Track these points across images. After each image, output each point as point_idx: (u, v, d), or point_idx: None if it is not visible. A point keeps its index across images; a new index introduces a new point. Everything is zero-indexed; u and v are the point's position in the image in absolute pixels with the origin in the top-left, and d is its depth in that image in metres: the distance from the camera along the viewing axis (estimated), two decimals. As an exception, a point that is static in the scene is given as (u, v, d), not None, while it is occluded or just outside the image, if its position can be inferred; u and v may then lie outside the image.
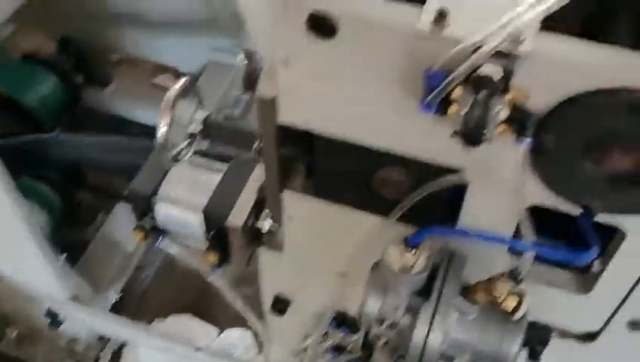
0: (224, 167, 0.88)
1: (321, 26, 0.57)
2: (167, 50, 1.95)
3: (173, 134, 0.75)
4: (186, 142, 0.77)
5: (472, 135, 0.50)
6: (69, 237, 1.50)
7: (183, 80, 0.76)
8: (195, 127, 0.77)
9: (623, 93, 0.52)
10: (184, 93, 0.76)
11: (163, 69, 2.04)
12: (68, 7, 1.84)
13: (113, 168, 1.20)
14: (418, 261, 0.60)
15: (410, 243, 0.61)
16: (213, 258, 0.88)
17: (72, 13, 1.86)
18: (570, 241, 0.66)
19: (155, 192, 0.86)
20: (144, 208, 0.87)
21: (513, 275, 0.59)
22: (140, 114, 1.89)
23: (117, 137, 1.17)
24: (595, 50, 0.53)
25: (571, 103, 0.54)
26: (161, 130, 0.73)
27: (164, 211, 0.86)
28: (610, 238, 0.67)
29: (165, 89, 2.32)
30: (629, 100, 0.52)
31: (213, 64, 1.99)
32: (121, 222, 1.52)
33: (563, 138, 0.56)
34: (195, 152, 0.84)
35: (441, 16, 0.55)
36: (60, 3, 1.78)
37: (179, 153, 0.77)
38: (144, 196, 0.86)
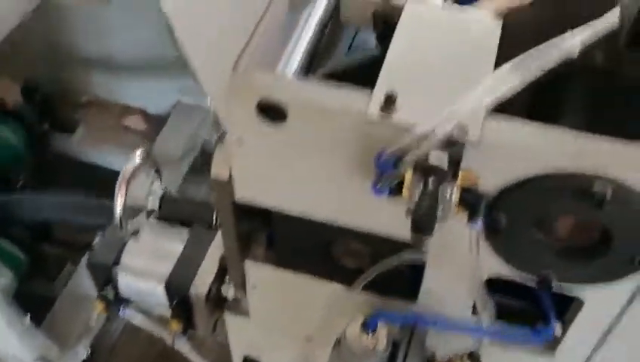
0: (185, 232, 0.87)
1: (271, 111, 0.57)
2: (136, 92, 1.95)
3: (130, 211, 0.74)
4: (143, 216, 0.76)
5: (421, 226, 0.50)
6: (36, 292, 1.47)
7: (138, 153, 0.75)
8: (153, 202, 0.76)
9: (568, 179, 0.53)
10: (140, 167, 0.75)
11: (132, 109, 2.02)
12: (35, 52, 1.83)
13: (78, 227, 1.18)
14: (377, 343, 0.59)
15: (368, 328, 0.61)
16: (177, 326, 0.86)
17: (39, 57, 1.85)
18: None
19: (116, 262, 0.85)
20: (105, 279, 0.85)
21: (473, 357, 0.59)
22: (109, 159, 1.87)
23: (81, 197, 1.15)
24: (540, 134, 0.54)
25: (520, 186, 0.55)
26: (118, 208, 0.72)
27: (126, 282, 0.85)
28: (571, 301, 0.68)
29: (134, 131, 2.28)
30: (574, 185, 0.52)
31: (182, 105, 1.99)
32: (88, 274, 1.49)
33: (514, 217, 0.57)
34: (156, 217, 0.83)
35: (389, 101, 0.55)
36: (26, 48, 1.77)
37: (137, 228, 0.75)
38: (105, 267, 0.84)
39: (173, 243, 0.86)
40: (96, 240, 0.90)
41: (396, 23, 0.66)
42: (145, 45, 1.80)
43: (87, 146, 1.89)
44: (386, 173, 0.54)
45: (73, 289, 1.52)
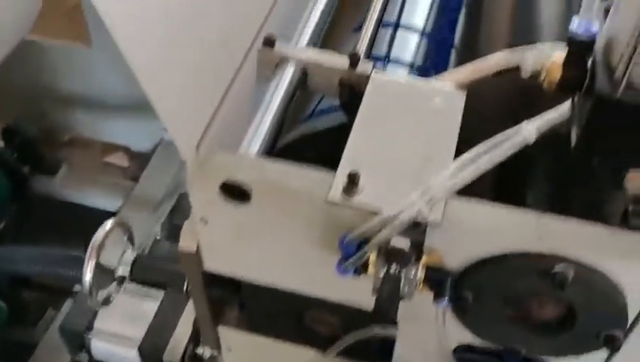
0: (160, 293, 0.87)
1: (235, 192, 0.57)
2: (119, 130, 1.94)
3: (100, 279, 0.73)
4: (114, 285, 0.75)
5: (383, 314, 0.50)
6: (15, 339, 1.45)
7: (109, 222, 0.74)
8: (125, 270, 0.75)
9: (531, 259, 0.53)
10: (111, 234, 0.74)
11: (115, 147, 2.02)
12: (16, 92, 1.82)
13: (57, 280, 1.17)
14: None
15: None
16: (152, 389, 0.85)
17: (21, 97, 1.85)
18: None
19: (89, 327, 0.84)
20: (79, 344, 0.84)
21: None
22: (93, 199, 1.86)
23: (58, 250, 1.14)
24: (502, 215, 0.54)
25: (483, 264, 0.55)
26: (87, 277, 0.71)
27: (98, 347, 0.84)
28: None
29: (118, 168, 2.26)
30: (536, 266, 0.52)
31: (166, 143, 1.99)
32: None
33: (480, 293, 0.57)
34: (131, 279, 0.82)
35: (351, 183, 0.55)
36: (7, 88, 1.76)
37: (108, 296, 0.75)
38: (78, 332, 0.84)
39: (148, 305, 0.86)
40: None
41: (362, 92, 0.67)
42: (127, 83, 1.80)
43: (71, 186, 1.88)
44: (351, 256, 0.54)
45: (55, 335, 1.50)
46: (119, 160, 2.03)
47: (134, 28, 0.52)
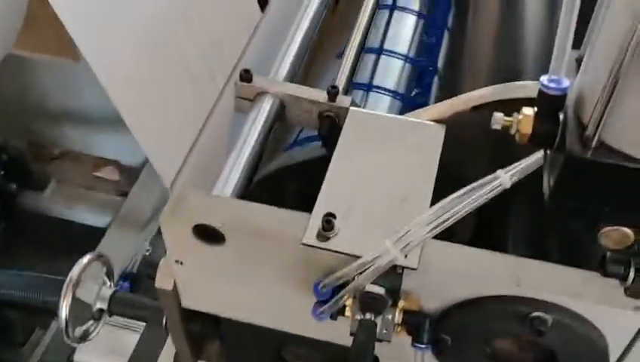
0: (141, 325, 0.85)
1: (209, 234, 0.56)
2: (109, 144, 1.93)
3: (77, 314, 0.72)
4: (92, 321, 0.74)
5: (359, 357, 0.49)
6: (3, 360, 1.43)
7: (87, 256, 0.73)
8: (103, 304, 0.74)
9: (509, 303, 0.52)
10: (89, 269, 0.73)
11: (105, 161, 2.01)
12: (5, 107, 1.81)
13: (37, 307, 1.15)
14: None
15: None
16: (133, 422, 0.84)
17: (10, 112, 1.84)
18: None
19: (69, 361, 0.83)
20: (58, 377, 0.83)
21: None
22: (81, 215, 1.85)
23: (37, 275, 1.12)
24: (479, 260, 0.53)
25: (461, 308, 0.54)
26: (62, 314, 0.70)
27: (78, 380, 0.83)
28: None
29: (108, 182, 2.24)
30: (514, 311, 0.51)
31: (155, 157, 1.98)
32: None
33: (459, 336, 0.56)
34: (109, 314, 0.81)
35: (327, 226, 0.54)
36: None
37: (86, 332, 0.74)
38: (57, 366, 0.82)
39: (127, 337, 0.84)
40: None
41: (341, 124, 0.66)
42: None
43: (59, 202, 1.86)
44: (326, 301, 0.53)
45: (42, 355, 1.48)
46: (110, 174, 2.02)
47: (109, 55, 0.51)
